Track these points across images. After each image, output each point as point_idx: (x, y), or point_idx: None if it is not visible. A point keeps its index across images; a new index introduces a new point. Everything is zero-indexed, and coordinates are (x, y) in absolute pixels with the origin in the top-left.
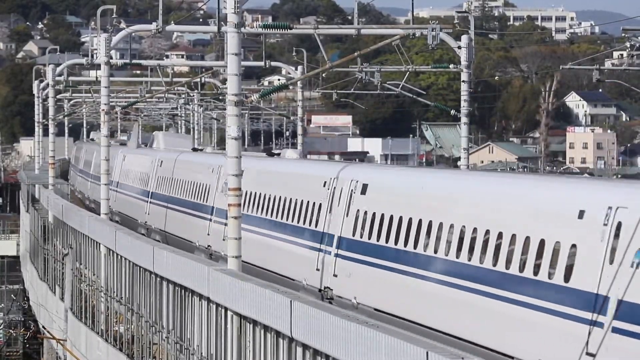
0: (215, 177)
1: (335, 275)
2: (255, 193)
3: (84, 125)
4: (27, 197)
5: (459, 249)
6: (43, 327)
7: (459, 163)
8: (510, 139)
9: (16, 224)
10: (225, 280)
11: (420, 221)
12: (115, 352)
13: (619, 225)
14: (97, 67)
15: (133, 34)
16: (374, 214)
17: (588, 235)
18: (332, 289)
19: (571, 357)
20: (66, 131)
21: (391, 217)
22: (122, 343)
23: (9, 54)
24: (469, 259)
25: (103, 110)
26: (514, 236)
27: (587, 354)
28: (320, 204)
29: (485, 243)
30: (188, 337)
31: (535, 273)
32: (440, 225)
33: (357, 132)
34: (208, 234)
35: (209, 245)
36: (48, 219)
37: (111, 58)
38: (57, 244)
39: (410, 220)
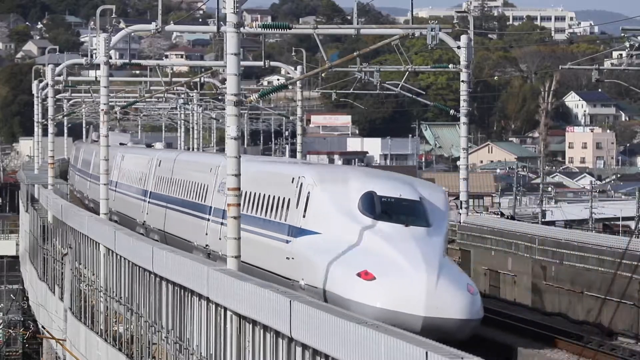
0: (114, 160)
1: (147, 214)
2: (127, 169)
3: (84, 125)
4: (26, 197)
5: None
6: (42, 327)
7: (458, 163)
8: (510, 139)
9: (15, 223)
10: (225, 280)
11: (165, 178)
12: (115, 352)
13: (217, 167)
14: (97, 67)
15: (132, 33)
16: (163, 177)
17: (210, 178)
18: (146, 221)
19: (201, 237)
20: (65, 131)
21: (170, 179)
22: (121, 343)
23: (9, 53)
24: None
25: (102, 110)
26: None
27: (206, 234)
28: (147, 173)
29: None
30: (187, 337)
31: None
32: (172, 179)
33: (357, 132)
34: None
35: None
36: (47, 219)
37: (110, 58)
38: (56, 244)
39: (166, 178)
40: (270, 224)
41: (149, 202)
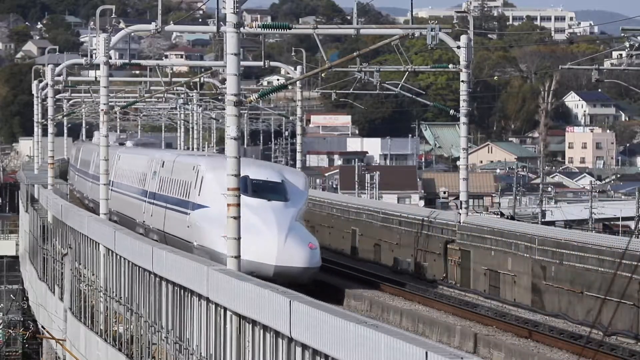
0: (91, 156)
1: (110, 199)
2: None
3: (84, 125)
4: (26, 197)
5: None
6: (42, 327)
7: (458, 163)
8: (510, 139)
9: (15, 223)
10: (225, 280)
11: (122, 169)
12: (115, 352)
13: (152, 160)
14: (96, 67)
15: (132, 34)
16: (120, 168)
17: (147, 167)
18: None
19: (140, 215)
20: (65, 131)
21: (125, 169)
22: (121, 343)
23: (8, 54)
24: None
25: (102, 110)
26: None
27: (143, 212)
28: (112, 166)
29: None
30: (187, 337)
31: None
32: (125, 170)
33: (357, 132)
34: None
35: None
36: (47, 219)
37: (110, 58)
38: (56, 244)
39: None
40: (179, 201)
41: (111, 189)
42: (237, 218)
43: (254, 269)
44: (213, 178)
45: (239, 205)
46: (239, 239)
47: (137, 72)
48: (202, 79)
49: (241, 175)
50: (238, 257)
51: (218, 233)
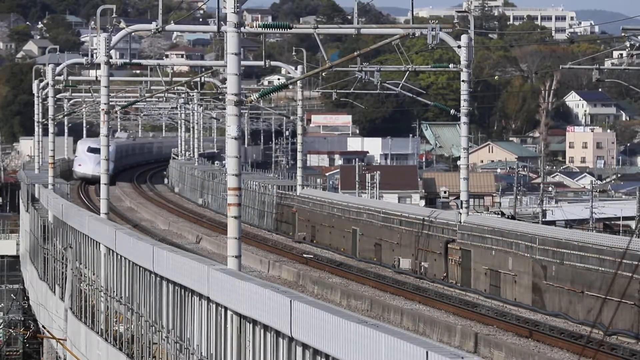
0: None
1: (74, 169)
2: (78, 151)
3: (84, 124)
4: (27, 197)
5: None
6: (43, 326)
7: (458, 162)
8: (510, 139)
9: (16, 223)
10: (225, 280)
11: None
12: (115, 352)
13: (81, 144)
14: (97, 66)
15: (133, 33)
16: (80, 151)
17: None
18: (75, 170)
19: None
20: (66, 131)
21: (81, 150)
22: (121, 342)
23: (9, 53)
24: None
25: (103, 109)
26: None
27: (75, 167)
28: (79, 151)
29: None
30: (188, 336)
31: None
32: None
33: (357, 131)
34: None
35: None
36: (48, 219)
37: (111, 58)
38: (57, 244)
39: None
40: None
41: (76, 163)
42: (238, 218)
43: (85, 176)
44: (80, 147)
45: (239, 205)
46: (239, 238)
47: (138, 71)
48: (202, 78)
49: (88, 146)
50: (239, 256)
51: (77, 164)
